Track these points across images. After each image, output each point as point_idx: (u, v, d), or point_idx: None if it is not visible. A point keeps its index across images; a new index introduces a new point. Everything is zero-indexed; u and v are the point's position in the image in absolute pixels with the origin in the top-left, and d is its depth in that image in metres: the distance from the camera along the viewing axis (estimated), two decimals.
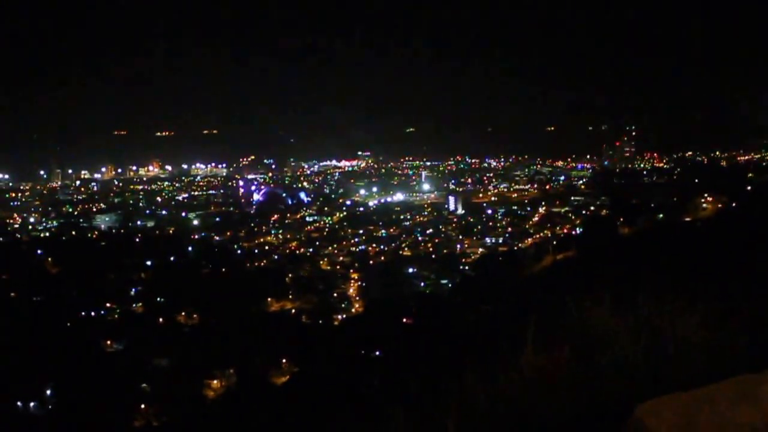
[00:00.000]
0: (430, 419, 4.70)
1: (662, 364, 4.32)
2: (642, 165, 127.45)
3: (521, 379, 4.70)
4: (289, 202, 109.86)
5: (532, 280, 42.83)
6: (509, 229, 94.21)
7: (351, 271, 77.56)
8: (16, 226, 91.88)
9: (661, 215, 62.46)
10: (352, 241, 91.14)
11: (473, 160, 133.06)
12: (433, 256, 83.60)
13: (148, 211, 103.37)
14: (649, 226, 54.48)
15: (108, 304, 56.39)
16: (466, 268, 73.36)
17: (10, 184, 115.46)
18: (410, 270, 75.02)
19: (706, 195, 67.73)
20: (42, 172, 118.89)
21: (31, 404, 39.81)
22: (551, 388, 4.50)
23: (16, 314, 48.55)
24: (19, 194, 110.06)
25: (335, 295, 67.05)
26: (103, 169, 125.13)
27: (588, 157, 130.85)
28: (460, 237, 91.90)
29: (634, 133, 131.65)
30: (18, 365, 40.16)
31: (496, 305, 35.20)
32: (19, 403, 39.33)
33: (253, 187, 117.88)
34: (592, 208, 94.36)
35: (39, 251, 67.96)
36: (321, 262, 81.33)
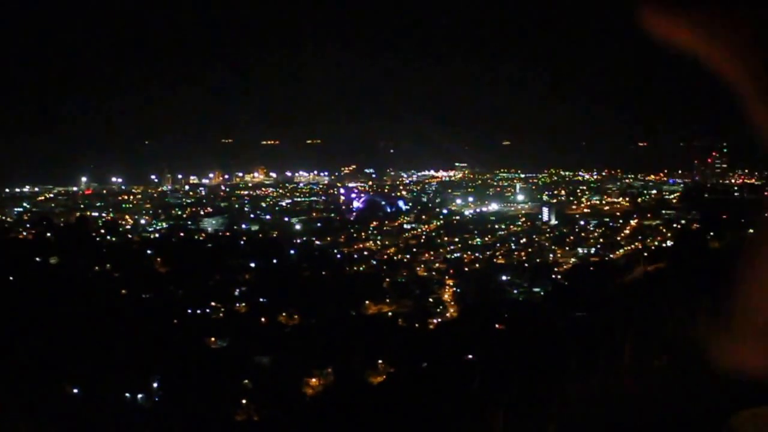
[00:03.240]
0: (529, 422, 5.03)
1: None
2: (733, 181, 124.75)
3: (619, 386, 4.98)
4: (388, 210, 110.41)
5: (625, 290, 42.59)
6: (601, 240, 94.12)
7: (446, 277, 77.70)
8: (128, 227, 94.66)
9: (751, 230, 61.29)
10: (448, 248, 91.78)
11: (567, 173, 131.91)
12: (526, 264, 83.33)
13: (252, 216, 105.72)
14: (738, 240, 53.78)
15: (213, 303, 58.20)
16: (559, 276, 73.51)
17: (123, 187, 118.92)
18: (504, 277, 75.13)
19: None
20: (153, 177, 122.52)
21: (139, 395, 41.30)
22: (648, 395, 4.77)
23: (126, 310, 50.32)
24: (131, 197, 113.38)
25: (431, 300, 67.41)
26: (211, 175, 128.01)
27: (680, 172, 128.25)
28: (553, 247, 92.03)
29: (725, 150, 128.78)
30: (127, 359, 41.64)
31: (590, 313, 35.17)
32: (127, 394, 40.78)
33: (354, 195, 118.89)
34: (683, 221, 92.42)
35: (149, 251, 70.14)
36: (418, 268, 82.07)
